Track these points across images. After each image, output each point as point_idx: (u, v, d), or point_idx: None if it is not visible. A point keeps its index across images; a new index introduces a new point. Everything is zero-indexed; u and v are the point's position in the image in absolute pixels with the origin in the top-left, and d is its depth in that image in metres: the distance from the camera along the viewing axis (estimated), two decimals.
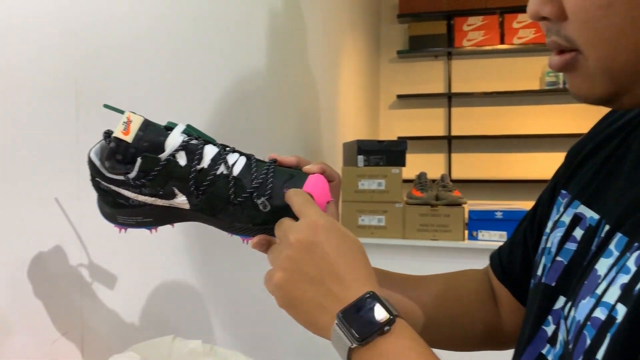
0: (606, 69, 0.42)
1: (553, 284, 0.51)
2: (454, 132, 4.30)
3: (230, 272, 1.36)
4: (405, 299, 0.68)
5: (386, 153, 2.07)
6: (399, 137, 4.21)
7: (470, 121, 4.28)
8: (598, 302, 0.41)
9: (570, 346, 0.43)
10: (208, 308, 1.24)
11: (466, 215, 2.02)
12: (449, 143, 4.31)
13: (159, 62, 1.06)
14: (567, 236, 0.51)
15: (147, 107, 1.02)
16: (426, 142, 4.33)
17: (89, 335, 0.85)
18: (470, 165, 4.27)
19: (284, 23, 1.84)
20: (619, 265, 0.41)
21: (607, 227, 0.45)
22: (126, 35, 0.95)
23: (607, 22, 0.40)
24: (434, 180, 2.23)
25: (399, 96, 4.32)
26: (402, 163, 2.08)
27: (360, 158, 2.05)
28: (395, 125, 4.44)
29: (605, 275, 0.42)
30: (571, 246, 0.50)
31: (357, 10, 3.39)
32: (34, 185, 0.75)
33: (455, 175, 4.25)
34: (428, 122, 4.39)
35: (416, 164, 4.22)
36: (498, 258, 0.68)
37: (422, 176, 2.14)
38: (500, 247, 0.69)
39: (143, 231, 0.61)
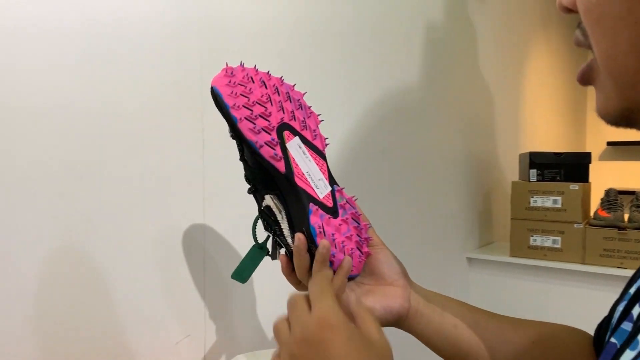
0: (610, 70, 0.37)
1: None
2: None
3: None
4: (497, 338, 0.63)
5: (564, 167, 1.85)
6: (608, 142, 3.72)
7: None
8: None
9: None
10: None
11: None
12: None
13: (312, 73, 1.13)
14: (625, 313, 0.42)
15: None
16: None
17: (210, 341, 0.96)
18: None
19: (447, 31, 1.79)
20: None
21: None
22: (267, 43, 1.04)
23: (603, 12, 0.35)
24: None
25: None
26: (584, 178, 1.84)
27: (533, 172, 1.88)
28: (607, 129, 3.90)
29: None
30: (627, 326, 0.41)
31: (552, 6, 3.08)
32: (163, 190, 0.87)
33: None
34: None
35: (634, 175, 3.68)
36: (598, 328, 0.59)
37: (610, 193, 1.87)
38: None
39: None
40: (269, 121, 0.56)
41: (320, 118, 0.64)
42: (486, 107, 2.19)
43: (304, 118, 0.60)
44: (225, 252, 0.98)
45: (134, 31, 0.82)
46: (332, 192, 0.59)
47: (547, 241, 1.84)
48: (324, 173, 0.59)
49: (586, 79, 0.40)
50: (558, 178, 1.86)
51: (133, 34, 0.82)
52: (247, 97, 0.56)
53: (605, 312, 0.57)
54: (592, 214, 1.90)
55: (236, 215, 0.99)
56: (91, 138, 0.77)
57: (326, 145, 0.62)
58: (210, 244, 0.95)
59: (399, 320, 0.62)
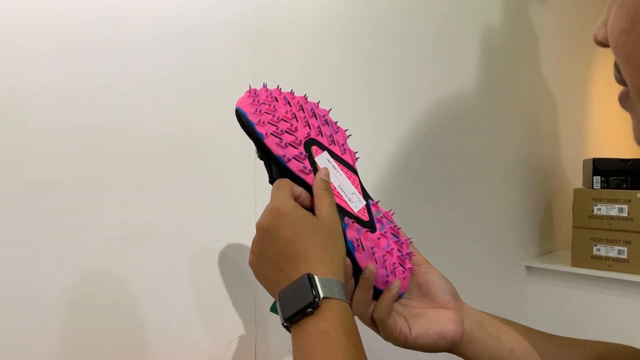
0: None
1: None
2: None
3: None
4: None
5: (631, 174, 1.77)
6: None
7: None
8: None
9: None
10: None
11: None
12: None
13: (367, 78, 1.15)
14: None
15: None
16: None
17: (261, 341, 0.99)
18: None
19: (507, 35, 1.75)
20: None
21: None
22: (317, 50, 1.07)
23: (631, 50, 0.35)
24: None
25: None
26: None
27: (597, 179, 1.80)
28: None
29: None
30: None
31: None
32: (219, 199, 0.92)
33: None
34: None
35: None
36: None
37: None
38: None
39: None
40: (295, 136, 0.57)
41: (348, 133, 0.63)
42: (549, 112, 2.13)
43: (331, 134, 0.60)
44: None
45: (192, 47, 0.87)
46: (367, 206, 0.59)
47: (612, 251, 1.76)
48: (356, 187, 0.59)
49: (624, 105, 0.40)
50: (624, 185, 1.78)
51: (192, 50, 0.87)
52: (272, 115, 0.57)
53: None
54: None
55: None
56: (154, 150, 0.83)
57: (356, 159, 0.61)
58: None
59: (453, 346, 0.60)
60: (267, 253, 0.51)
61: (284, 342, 1.03)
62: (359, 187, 0.60)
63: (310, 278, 0.47)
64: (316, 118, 0.60)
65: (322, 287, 0.46)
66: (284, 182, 0.55)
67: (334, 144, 0.60)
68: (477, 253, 1.67)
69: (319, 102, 0.63)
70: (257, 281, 0.97)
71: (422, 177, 1.41)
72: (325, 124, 0.61)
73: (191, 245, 0.89)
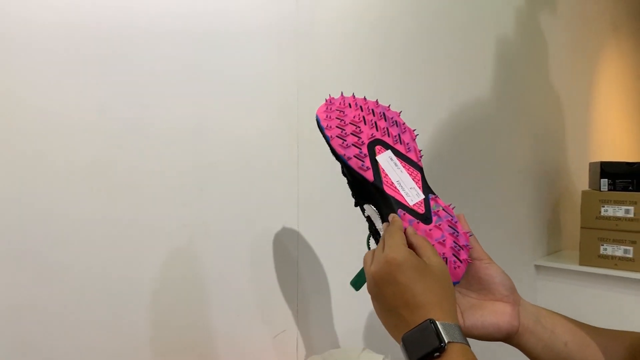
0: None
1: None
2: None
3: None
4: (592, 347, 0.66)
5: (637, 177, 1.85)
6: None
7: None
8: None
9: None
10: None
11: None
12: None
13: (386, 90, 1.22)
14: None
15: None
16: None
17: (302, 335, 1.06)
18: None
19: (519, 44, 1.83)
20: None
21: None
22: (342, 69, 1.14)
23: None
24: None
25: None
26: None
27: (604, 182, 1.88)
28: None
29: None
30: None
31: (622, 10, 3.03)
32: (264, 199, 0.99)
33: None
34: None
35: None
36: None
37: None
38: None
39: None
40: (359, 137, 0.66)
41: (415, 133, 0.71)
42: (556, 117, 2.21)
43: (398, 134, 0.68)
44: (315, 256, 1.08)
45: (242, 60, 0.94)
46: (426, 200, 0.64)
47: (618, 250, 1.84)
48: (417, 182, 0.65)
49: None
50: (630, 188, 1.86)
51: (241, 63, 0.94)
52: (341, 119, 0.67)
53: None
54: None
55: (325, 221, 1.09)
56: (211, 156, 0.90)
57: (421, 157, 0.68)
58: (303, 248, 1.06)
59: (507, 337, 0.64)
60: (385, 299, 0.55)
61: (324, 335, 1.11)
62: (420, 182, 0.66)
63: (433, 324, 0.50)
64: (385, 120, 0.68)
65: (445, 332, 0.50)
66: (396, 231, 0.59)
67: (399, 143, 0.68)
68: (488, 252, 1.74)
69: (389, 105, 0.71)
70: (298, 278, 1.04)
71: (436, 180, 1.49)
72: (393, 125, 0.69)
73: (242, 245, 0.95)
